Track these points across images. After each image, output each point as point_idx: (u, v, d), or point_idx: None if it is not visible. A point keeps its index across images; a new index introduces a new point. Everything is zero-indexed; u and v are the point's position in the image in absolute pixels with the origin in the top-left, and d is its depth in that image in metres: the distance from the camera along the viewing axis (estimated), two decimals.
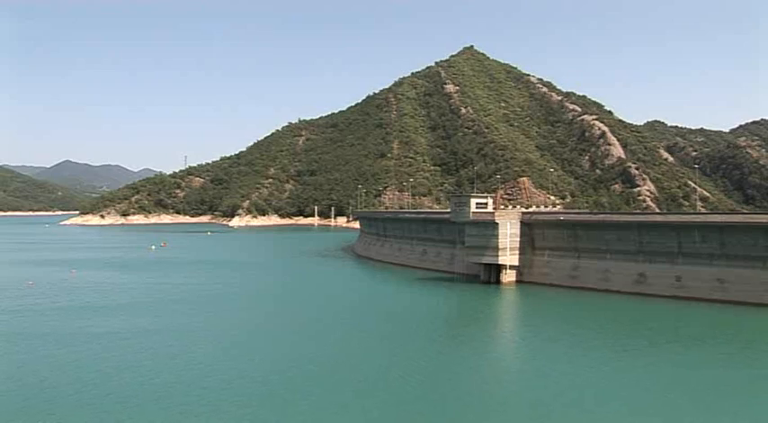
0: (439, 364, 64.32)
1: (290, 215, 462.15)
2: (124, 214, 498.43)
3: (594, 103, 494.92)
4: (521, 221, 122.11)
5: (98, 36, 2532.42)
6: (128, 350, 69.32)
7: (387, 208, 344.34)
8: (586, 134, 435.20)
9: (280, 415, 48.97)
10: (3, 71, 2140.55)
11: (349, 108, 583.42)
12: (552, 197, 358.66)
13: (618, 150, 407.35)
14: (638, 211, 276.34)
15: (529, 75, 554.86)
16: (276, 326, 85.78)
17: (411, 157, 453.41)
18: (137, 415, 48.34)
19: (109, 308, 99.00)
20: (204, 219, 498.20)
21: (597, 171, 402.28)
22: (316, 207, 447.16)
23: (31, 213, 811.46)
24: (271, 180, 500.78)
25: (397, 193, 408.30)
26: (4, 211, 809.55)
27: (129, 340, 74.15)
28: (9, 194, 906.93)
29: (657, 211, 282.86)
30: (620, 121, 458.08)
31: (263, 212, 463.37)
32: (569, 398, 52.19)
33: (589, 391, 54.15)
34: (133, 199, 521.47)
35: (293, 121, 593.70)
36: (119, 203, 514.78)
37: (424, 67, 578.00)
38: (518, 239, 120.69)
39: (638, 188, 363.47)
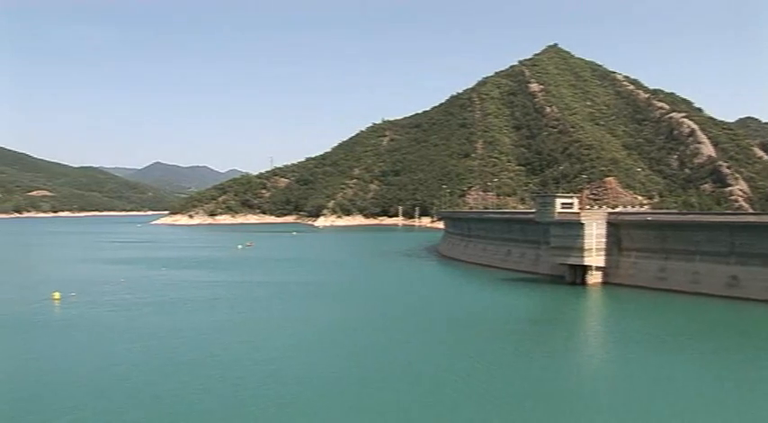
0: (520, 364, 64.57)
1: (374, 215, 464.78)
2: (212, 214, 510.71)
3: (683, 100, 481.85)
4: (607, 222, 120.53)
5: (183, 41, 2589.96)
6: (207, 343, 72.62)
7: (471, 208, 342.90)
8: (675, 132, 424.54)
9: (355, 412, 49.68)
10: (96, 78, 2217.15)
11: (433, 108, 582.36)
12: (639, 197, 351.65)
13: (708, 149, 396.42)
14: (729, 211, 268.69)
15: (614, 72, 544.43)
16: (357, 323, 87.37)
17: (495, 157, 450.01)
18: (212, 407, 50.40)
19: (194, 303, 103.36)
20: (289, 219, 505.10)
21: (686, 170, 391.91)
22: (400, 207, 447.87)
23: (123, 213, 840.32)
24: (355, 180, 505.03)
25: (481, 193, 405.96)
26: (100, 211, 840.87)
27: (210, 335, 77.74)
28: (104, 195, 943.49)
29: (751, 211, 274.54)
30: (710, 118, 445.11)
31: (348, 212, 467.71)
32: (646, 402, 51.43)
33: (668, 396, 53.30)
34: (220, 199, 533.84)
35: (377, 122, 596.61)
36: (206, 204, 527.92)
37: (507, 67, 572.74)
38: (604, 240, 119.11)
39: (730, 188, 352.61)
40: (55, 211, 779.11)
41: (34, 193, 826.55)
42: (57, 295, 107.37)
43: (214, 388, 55.04)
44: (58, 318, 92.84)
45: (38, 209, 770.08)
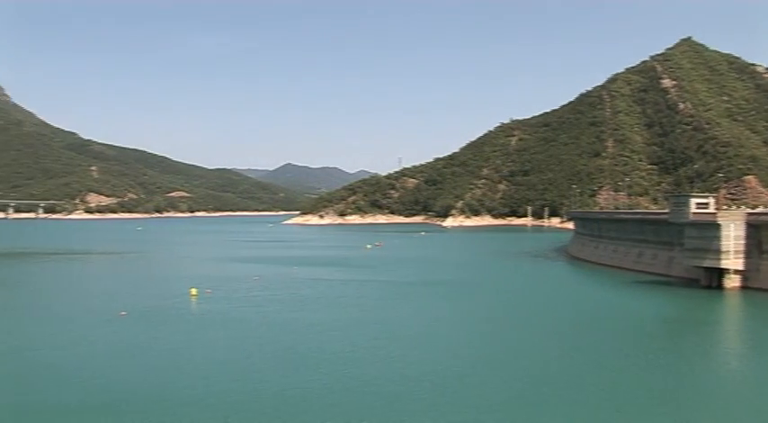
0: (655, 367, 64.14)
1: (503, 215, 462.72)
2: (341, 214, 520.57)
3: None
4: (746, 223, 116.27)
5: (313, 46, 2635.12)
6: (335, 340, 74.50)
7: (601, 208, 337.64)
8: None
9: (488, 413, 49.44)
10: (229, 85, 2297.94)
11: (561, 107, 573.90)
12: None
13: None
14: None
15: (754, 64, 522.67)
16: (489, 323, 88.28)
17: (626, 156, 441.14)
18: (335, 403, 51.47)
19: (324, 301, 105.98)
20: (418, 219, 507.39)
21: None
22: (529, 207, 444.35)
23: (256, 213, 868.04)
24: (484, 180, 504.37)
25: (612, 192, 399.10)
26: (233, 211, 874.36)
27: (339, 332, 79.62)
28: (238, 196, 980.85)
29: None
30: None
31: (476, 213, 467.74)
32: None
33: None
34: (350, 199, 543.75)
35: (505, 121, 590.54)
36: (336, 204, 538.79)
37: (638, 63, 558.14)
38: (743, 242, 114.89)
39: None
40: (192, 211, 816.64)
41: (173, 193, 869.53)
42: (194, 291, 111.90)
43: (340, 385, 56.25)
44: (195, 312, 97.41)
45: (176, 209, 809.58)
